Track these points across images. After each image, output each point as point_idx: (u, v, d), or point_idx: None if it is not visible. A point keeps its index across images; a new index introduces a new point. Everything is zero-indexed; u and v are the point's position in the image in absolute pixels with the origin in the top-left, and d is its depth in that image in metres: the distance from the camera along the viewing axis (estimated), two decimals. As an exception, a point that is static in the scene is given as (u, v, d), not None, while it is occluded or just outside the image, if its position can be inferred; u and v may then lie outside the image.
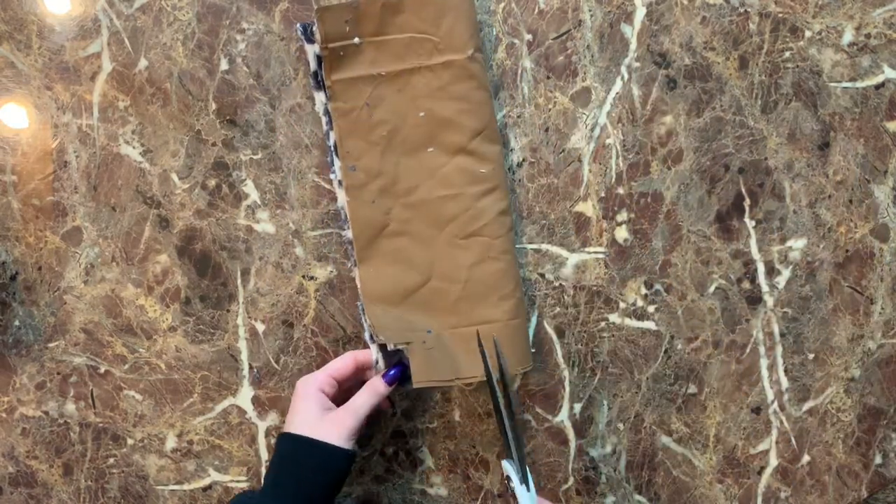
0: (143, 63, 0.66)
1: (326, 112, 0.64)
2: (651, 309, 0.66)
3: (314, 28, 0.62)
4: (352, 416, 0.57)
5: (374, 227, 0.63)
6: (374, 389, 0.59)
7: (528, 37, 0.64)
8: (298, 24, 0.63)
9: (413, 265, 0.63)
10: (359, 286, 0.64)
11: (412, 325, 0.62)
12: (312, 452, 0.55)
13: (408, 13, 0.61)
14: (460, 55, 0.61)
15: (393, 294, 0.63)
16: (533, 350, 0.66)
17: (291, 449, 0.56)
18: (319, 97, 0.64)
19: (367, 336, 0.63)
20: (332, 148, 0.64)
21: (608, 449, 0.67)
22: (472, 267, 0.62)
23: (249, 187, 0.66)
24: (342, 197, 0.64)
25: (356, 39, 0.62)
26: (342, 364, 0.60)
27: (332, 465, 0.56)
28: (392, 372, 0.60)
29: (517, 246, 0.65)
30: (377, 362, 0.62)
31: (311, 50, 0.63)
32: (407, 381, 0.61)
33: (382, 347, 0.62)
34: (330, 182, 0.65)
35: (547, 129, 0.65)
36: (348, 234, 0.64)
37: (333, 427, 0.56)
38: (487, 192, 0.62)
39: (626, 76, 0.64)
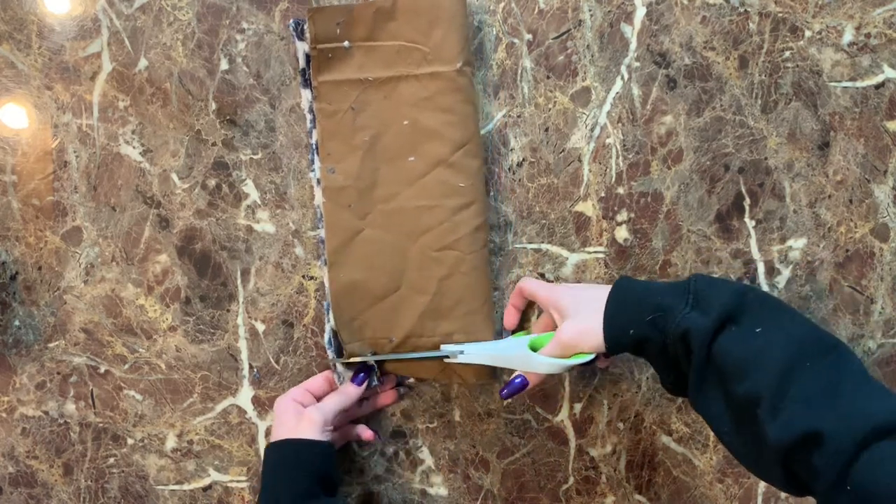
0: (143, 63, 0.66)
1: (311, 110, 0.64)
2: (651, 309, 0.66)
3: (306, 26, 0.62)
4: (318, 410, 0.60)
5: (348, 230, 0.63)
6: (344, 391, 0.62)
7: (528, 37, 0.64)
8: (291, 20, 0.63)
9: (384, 272, 0.63)
10: (327, 287, 0.64)
11: (374, 334, 0.63)
12: (289, 451, 0.58)
13: (400, 21, 0.61)
14: (449, 67, 0.61)
15: (361, 299, 0.63)
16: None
17: (273, 455, 0.59)
18: (306, 95, 0.64)
19: (325, 340, 0.64)
20: (314, 147, 0.64)
21: (608, 449, 0.67)
22: (443, 280, 0.62)
23: (249, 187, 0.66)
24: (319, 196, 0.64)
25: (346, 43, 0.62)
26: (315, 381, 0.64)
27: (309, 457, 0.58)
28: (360, 375, 0.63)
29: (517, 246, 0.65)
30: (339, 377, 0.64)
31: (301, 47, 0.63)
32: (373, 382, 0.64)
33: (341, 354, 0.64)
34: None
35: (547, 129, 0.65)
36: (322, 233, 0.64)
37: (305, 424, 0.59)
38: (465, 206, 0.62)
39: (626, 76, 0.64)
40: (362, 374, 0.63)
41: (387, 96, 0.62)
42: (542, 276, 0.66)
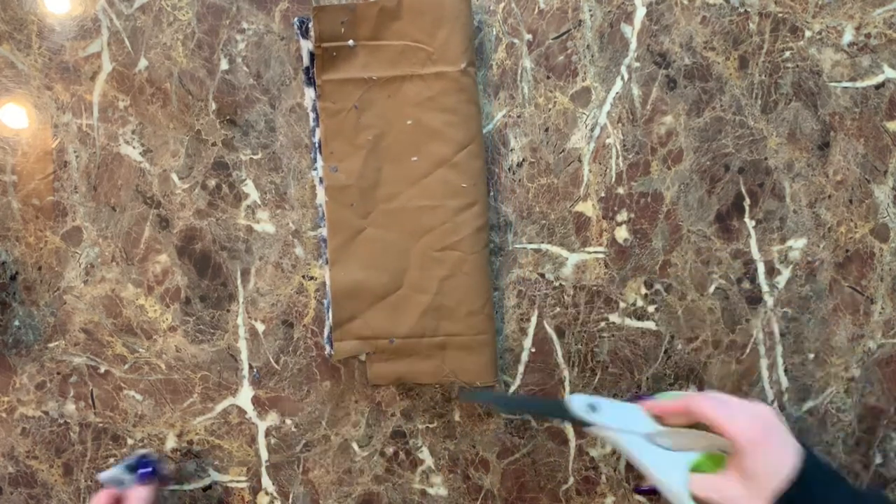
0: (143, 63, 0.66)
1: (314, 108, 0.64)
2: (651, 309, 0.66)
3: (310, 25, 0.62)
4: None
5: (350, 229, 0.63)
6: (138, 497, 0.59)
7: (528, 37, 0.64)
8: (296, 18, 0.63)
9: (385, 272, 0.63)
10: (327, 285, 0.64)
11: (374, 333, 0.63)
12: None
13: (404, 20, 0.61)
14: (453, 67, 0.61)
15: (362, 298, 0.63)
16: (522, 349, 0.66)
17: None
18: (309, 93, 0.64)
19: (325, 338, 0.65)
20: (317, 145, 0.64)
21: (608, 449, 0.67)
22: (444, 280, 0.62)
23: (249, 187, 0.66)
24: (321, 195, 0.64)
25: (350, 42, 0.62)
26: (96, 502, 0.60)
27: None
28: (141, 472, 0.61)
29: (517, 246, 0.65)
30: (122, 483, 0.61)
31: (305, 45, 0.63)
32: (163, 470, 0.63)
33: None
34: (330, 182, 0.65)
35: (547, 129, 0.65)
36: (323, 231, 0.64)
37: None
38: (467, 206, 0.62)
39: (626, 76, 0.64)
40: (143, 470, 0.60)
41: (391, 96, 0.62)
42: (541, 276, 0.66)
